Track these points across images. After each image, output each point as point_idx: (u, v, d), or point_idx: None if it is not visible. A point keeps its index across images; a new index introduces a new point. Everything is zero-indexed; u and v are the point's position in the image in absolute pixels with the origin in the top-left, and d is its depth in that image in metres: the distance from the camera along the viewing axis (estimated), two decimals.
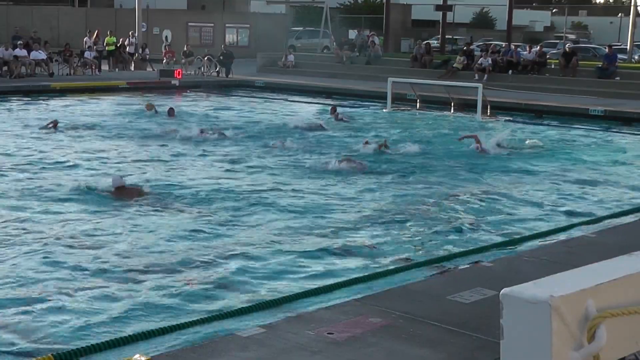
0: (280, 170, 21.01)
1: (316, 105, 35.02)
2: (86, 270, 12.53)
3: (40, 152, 23.14)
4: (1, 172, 20.22)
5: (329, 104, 35.14)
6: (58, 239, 14.21)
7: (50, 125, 26.93)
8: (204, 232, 14.84)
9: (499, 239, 14.37)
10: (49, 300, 11.11)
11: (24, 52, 43.48)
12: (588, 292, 2.59)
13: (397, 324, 8.82)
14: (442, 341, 8.36)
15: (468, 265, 12.11)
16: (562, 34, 73.77)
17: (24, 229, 14.73)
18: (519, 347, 2.51)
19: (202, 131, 26.11)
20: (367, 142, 24.43)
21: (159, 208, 16.86)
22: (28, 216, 15.84)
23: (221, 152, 23.55)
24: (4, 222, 15.30)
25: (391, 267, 12.55)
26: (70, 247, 13.72)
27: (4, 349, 9.48)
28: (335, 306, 9.85)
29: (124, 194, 17.50)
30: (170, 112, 31.84)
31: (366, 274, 12.12)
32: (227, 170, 21.00)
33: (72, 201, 17.33)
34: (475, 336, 8.39)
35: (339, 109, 33.63)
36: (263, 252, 13.51)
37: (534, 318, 2.46)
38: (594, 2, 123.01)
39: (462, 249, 13.51)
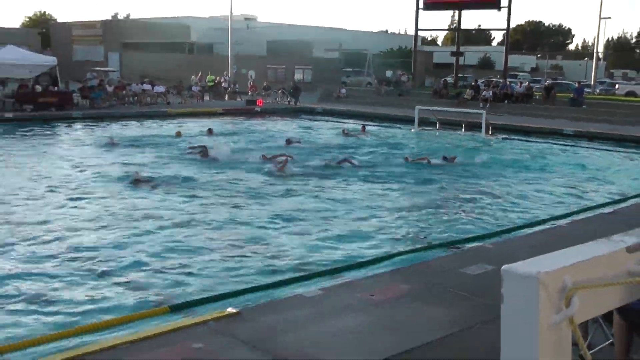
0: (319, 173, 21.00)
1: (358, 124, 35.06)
2: (180, 243, 12.73)
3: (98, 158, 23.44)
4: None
5: (364, 124, 35.04)
6: (161, 217, 14.41)
7: (109, 142, 26.74)
8: (273, 220, 14.93)
9: (497, 228, 14.28)
10: (164, 263, 11.24)
11: (149, 87, 44.07)
12: (566, 269, 2.61)
13: (421, 290, 8.82)
14: (455, 303, 8.34)
15: (473, 246, 12.07)
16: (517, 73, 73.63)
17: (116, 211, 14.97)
18: (515, 309, 2.55)
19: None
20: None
21: (223, 197, 17.10)
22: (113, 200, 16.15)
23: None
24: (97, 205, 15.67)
25: (416, 247, 12.55)
26: (166, 224, 13.89)
27: (128, 302, 9.60)
28: (375, 276, 9.87)
29: (140, 184, 18.43)
30: (209, 132, 31.04)
31: (398, 251, 12.14)
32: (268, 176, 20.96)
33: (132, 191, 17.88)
34: (479, 300, 8.37)
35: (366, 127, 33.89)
36: (322, 235, 13.56)
37: (526, 288, 2.50)
38: (567, 49, 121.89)
39: (469, 235, 13.45)
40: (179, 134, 29.79)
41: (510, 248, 11.16)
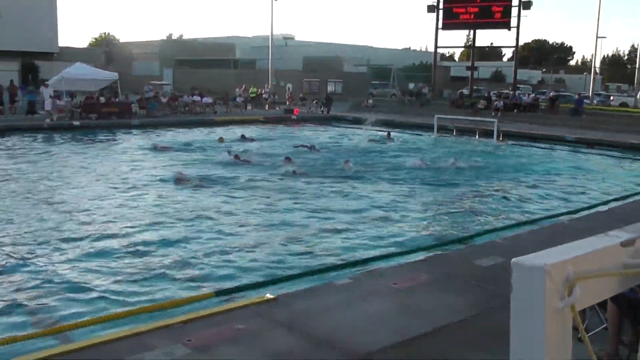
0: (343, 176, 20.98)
1: (383, 132, 34.96)
2: (222, 235, 12.81)
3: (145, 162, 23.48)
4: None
5: (388, 130, 34.98)
6: (202, 210, 14.48)
7: (155, 146, 26.94)
8: (310, 214, 14.95)
9: (507, 224, 14.22)
10: (209, 253, 11.31)
11: (198, 98, 44.23)
12: (569, 261, 2.60)
13: (439, 279, 8.80)
14: (469, 291, 8.31)
15: (485, 241, 12.02)
16: (519, 85, 72.77)
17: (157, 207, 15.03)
18: (524, 297, 2.55)
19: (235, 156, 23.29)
20: (347, 162, 22.53)
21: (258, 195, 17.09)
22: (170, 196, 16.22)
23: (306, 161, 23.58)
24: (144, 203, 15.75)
25: (435, 242, 12.52)
26: (212, 217, 13.96)
27: (179, 287, 9.67)
28: (398, 266, 9.86)
29: (182, 182, 18.78)
30: (243, 137, 30.78)
31: (419, 245, 12.12)
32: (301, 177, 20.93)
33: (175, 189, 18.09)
34: (491, 288, 8.33)
35: (391, 134, 33.71)
36: (350, 230, 13.55)
37: (534, 278, 2.50)
38: (569, 64, 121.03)
39: (482, 231, 13.42)
40: (221, 140, 29.86)
41: (518, 242, 11.10)
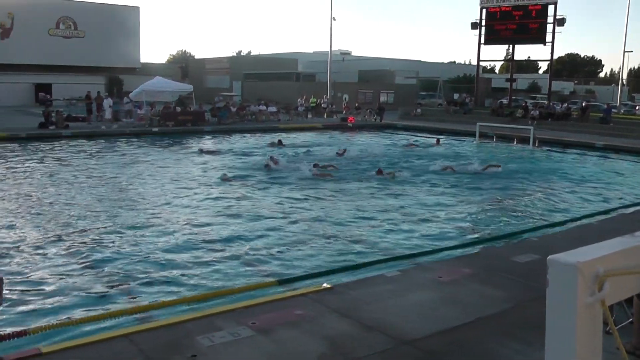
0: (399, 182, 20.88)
1: (431, 138, 34.72)
2: (282, 230, 12.88)
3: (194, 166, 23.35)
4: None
5: (437, 137, 34.82)
6: (264, 209, 14.57)
7: (200, 151, 27.15)
8: (359, 212, 14.93)
9: (542, 224, 13.99)
10: (272, 246, 11.39)
11: (264, 107, 44.60)
12: (599, 259, 2.58)
13: (479, 273, 8.70)
14: (506, 285, 8.21)
15: (522, 239, 11.85)
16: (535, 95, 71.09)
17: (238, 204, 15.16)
18: (558, 291, 2.52)
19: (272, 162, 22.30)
20: (380, 171, 21.25)
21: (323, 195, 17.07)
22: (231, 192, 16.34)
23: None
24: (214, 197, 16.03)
25: (476, 240, 12.40)
26: (278, 216, 14.04)
27: (245, 275, 9.77)
28: (442, 261, 9.80)
29: (229, 181, 19.16)
30: (279, 143, 30.28)
31: (462, 242, 12.02)
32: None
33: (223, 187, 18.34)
34: (526, 282, 8.22)
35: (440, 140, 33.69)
36: (400, 227, 13.52)
37: (567, 275, 2.47)
38: (598, 76, 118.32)
39: (519, 230, 13.23)
40: (280, 143, 30.13)
41: (551, 241, 10.91)
